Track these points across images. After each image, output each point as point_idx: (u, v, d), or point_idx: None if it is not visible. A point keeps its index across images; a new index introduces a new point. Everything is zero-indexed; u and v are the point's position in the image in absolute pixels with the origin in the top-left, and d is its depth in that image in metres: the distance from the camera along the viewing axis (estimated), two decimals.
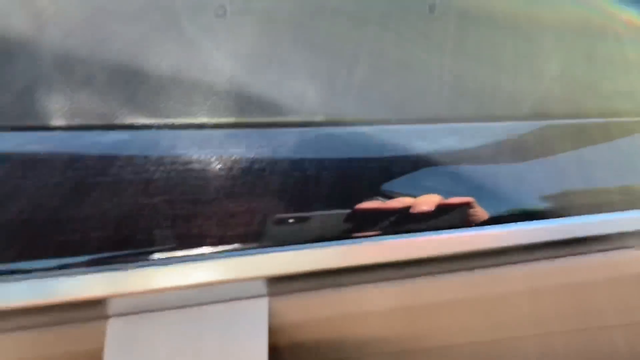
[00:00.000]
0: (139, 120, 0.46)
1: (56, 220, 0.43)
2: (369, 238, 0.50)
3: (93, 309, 0.45)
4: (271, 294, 0.48)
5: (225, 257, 0.45)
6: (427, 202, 0.51)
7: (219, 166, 0.46)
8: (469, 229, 0.53)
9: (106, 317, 0.46)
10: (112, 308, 0.45)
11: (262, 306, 0.47)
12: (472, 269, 0.56)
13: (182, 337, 0.45)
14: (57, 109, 0.46)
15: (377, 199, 0.50)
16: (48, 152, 0.44)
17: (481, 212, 0.53)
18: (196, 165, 0.46)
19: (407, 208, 0.51)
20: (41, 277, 0.43)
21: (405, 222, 0.51)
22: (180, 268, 0.44)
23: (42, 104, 0.45)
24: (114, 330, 0.45)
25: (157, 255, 0.44)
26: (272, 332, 0.48)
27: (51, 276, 0.43)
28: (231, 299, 0.47)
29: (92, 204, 0.43)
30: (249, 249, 0.46)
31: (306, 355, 0.51)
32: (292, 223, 0.47)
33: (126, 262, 0.44)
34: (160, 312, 0.46)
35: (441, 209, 0.51)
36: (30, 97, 0.45)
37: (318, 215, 0.48)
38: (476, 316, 0.56)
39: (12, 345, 0.45)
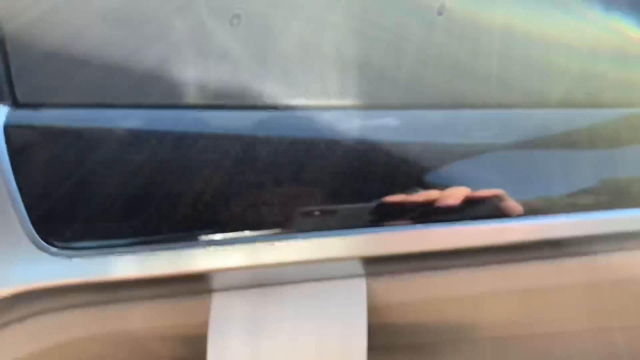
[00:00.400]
0: (263, 101, 0.46)
1: (167, 197, 0.44)
2: (462, 222, 0.49)
3: (198, 283, 0.46)
4: (369, 274, 0.48)
5: (326, 236, 0.46)
6: (454, 196, 0.50)
7: (324, 147, 0.46)
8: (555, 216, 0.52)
9: (210, 291, 0.46)
10: (216, 283, 0.46)
11: (360, 286, 0.47)
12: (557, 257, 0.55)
13: (282, 313, 0.46)
14: (183, 87, 0.47)
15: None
16: (161, 130, 0.45)
17: (514, 205, 0.51)
18: (301, 146, 0.46)
19: (435, 201, 0.49)
20: (150, 252, 0.44)
21: (435, 213, 0.50)
22: (283, 245, 0.45)
23: (172, 82, 0.46)
24: (218, 304, 0.45)
25: (260, 232, 0.45)
26: (369, 311, 0.48)
27: (159, 250, 0.44)
28: (330, 278, 0.47)
29: (202, 181, 0.44)
30: (348, 228, 0.46)
31: (400, 335, 0.51)
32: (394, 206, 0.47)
33: (230, 238, 0.45)
34: (262, 288, 0.46)
35: (469, 202, 0.50)
36: (162, 76, 0.46)
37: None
38: (570, 303, 0.55)
39: (121, 316, 0.46)
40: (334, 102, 0.48)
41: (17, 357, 0.46)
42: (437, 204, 0.49)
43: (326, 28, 0.48)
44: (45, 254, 0.43)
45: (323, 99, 0.48)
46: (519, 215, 0.51)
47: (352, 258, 0.46)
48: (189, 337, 0.48)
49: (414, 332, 0.52)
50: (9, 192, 0.43)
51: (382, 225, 0.46)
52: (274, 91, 0.46)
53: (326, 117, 0.47)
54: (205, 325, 0.46)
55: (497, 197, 0.51)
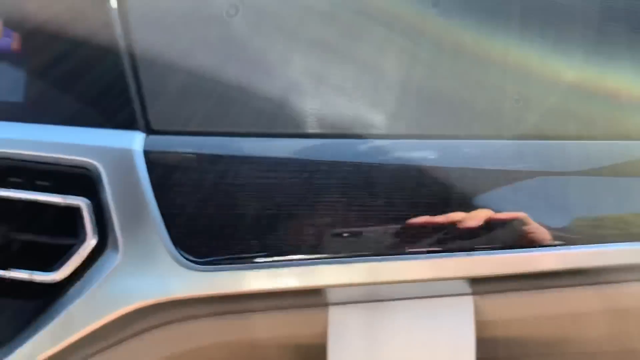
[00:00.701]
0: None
1: (292, 218, 0.48)
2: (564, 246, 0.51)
3: (316, 297, 0.50)
4: (475, 293, 0.50)
5: (435, 257, 0.48)
6: (474, 217, 0.50)
7: (437, 175, 0.49)
8: None
9: (327, 304, 0.50)
10: (333, 296, 0.50)
11: (468, 303, 0.50)
12: None
13: (396, 327, 0.49)
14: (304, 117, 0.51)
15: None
16: (286, 157, 0.49)
17: (537, 229, 0.52)
18: (413, 173, 0.49)
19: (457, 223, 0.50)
20: (275, 267, 0.48)
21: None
22: (399, 265, 0.48)
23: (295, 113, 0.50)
24: (336, 317, 0.49)
25: (378, 252, 0.48)
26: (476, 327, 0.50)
27: (283, 266, 0.48)
28: (439, 295, 0.50)
29: (326, 205, 0.48)
30: (455, 250, 0.49)
31: (507, 350, 0.53)
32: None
33: (350, 256, 0.48)
34: (376, 302, 0.50)
35: (490, 224, 0.51)
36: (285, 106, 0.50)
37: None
38: None
39: (245, 326, 0.51)
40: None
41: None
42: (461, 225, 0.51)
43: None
44: (182, 269, 0.48)
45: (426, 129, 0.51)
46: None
47: (461, 278, 0.48)
48: (304, 347, 0.52)
49: (512, 347, 0.54)
50: (151, 212, 0.48)
51: (488, 249, 0.49)
52: (386, 121, 0.50)
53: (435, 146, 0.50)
54: (320, 336, 0.50)
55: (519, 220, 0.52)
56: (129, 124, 0.51)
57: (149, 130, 0.51)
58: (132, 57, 0.52)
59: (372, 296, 0.50)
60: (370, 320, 0.49)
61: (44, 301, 0.50)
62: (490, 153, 0.52)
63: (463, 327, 0.48)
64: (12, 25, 0.58)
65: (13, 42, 0.58)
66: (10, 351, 0.49)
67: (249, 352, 0.52)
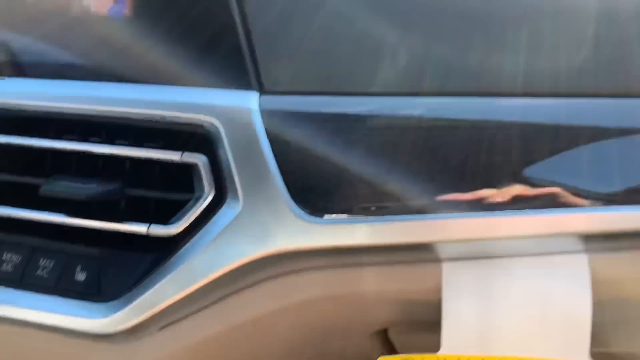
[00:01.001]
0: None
1: (405, 174, 0.49)
2: None
3: (428, 252, 0.50)
4: (590, 250, 0.50)
5: (551, 212, 0.48)
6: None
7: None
8: None
9: (439, 260, 0.51)
10: (444, 252, 0.50)
11: (583, 261, 0.49)
12: None
13: (510, 284, 0.49)
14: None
15: None
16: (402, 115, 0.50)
17: None
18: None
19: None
20: (387, 222, 0.49)
21: None
22: (513, 220, 0.48)
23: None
24: (450, 273, 0.50)
25: (491, 207, 0.48)
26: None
27: (396, 220, 0.49)
28: (551, 253, 0.50)
29: (444, 162, 0.48)
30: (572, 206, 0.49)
31: (621, 312, 0.53)
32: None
33: (464, 211, 0.48)
34: (490, 259, 0.50)
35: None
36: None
37: None
38: None
39: (355, 279, 0.52)
40: None
41: (264, 311, 0.53)
42: None
43: None
44: (300, 221, 0.49)
45: None
46: None
47: (578, 234, 0.48)
48: (414, 302, 0.53)
49: (627, 309, 0.54)
50: (269, 167, 0.50)
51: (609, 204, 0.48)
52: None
53: None
54: (431, 291, 0.51)
55: None
56: (242, 84, 0.53)
57: (262, 90, 0.52)
58: (244, 16, 0.54)
59: (485, 252, 0.50)
60: (484, 277, 0.49)
61: (160, 253, 0.53)
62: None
63: (579, 286, 0.48)
64: None
65: (125, 8, 0.61)
66: (134, 298, 0.52)
67: (360, 306, 0.54)
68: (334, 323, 0.57)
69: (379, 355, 0.59)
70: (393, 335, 0.61)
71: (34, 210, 0.56)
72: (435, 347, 0.52)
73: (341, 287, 0.53)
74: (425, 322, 0.55)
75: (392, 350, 0.62)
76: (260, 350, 0.59)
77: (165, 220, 0.53)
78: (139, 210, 0.55)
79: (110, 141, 0.56)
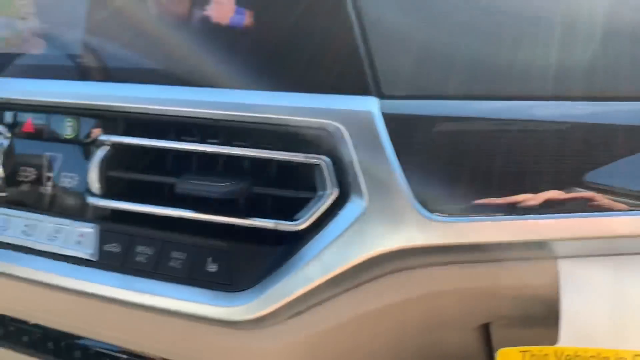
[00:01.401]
0: None
1: (521, 175, 0.52)
2: None
3: (545, 249, 0.53)
4: None
5: None
6: None
7: None
8: None
9: (555, 257, 0.53)
10: (563, 250, 0.52)
11: None
12: None
13: (632, 282, 0.51)
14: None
15: None
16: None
17: None
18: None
19: None
20: (509, 220, 0.52)
21: None
22: (629, 220, 0.50)
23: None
24: (569, 270, 0.52)
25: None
26: None
27: (517, 219, 0.52)
28: None
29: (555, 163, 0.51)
30: None
31: None
32: None
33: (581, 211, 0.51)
34: (614, 256, 0.52)
35: None
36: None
37: None
38: None
39: (475, 275, 0.55)
40: None
41: (390, 302, 0.57)
42: None
43: None
44: (423, 219, 0.52)
45: None
46: None
47: None
48: (527, 297, 0.55)
49: None
50: (392, 167, 0.53)
51: None
52: None
53: None
54: (544, 287, 0.53)
55: None
56: (361, 89, 0.56)
57: (380, 95, 0.56)
58: (362, 23, 0.57)
59: (604, 250, 0.52)
60: (606, 274, 0.51)
61: (288, 247, 0.57)
62: None
63: None
64: (243, 2, 0.64)
65: (246, 18, 0.65)
66: (266, 288, 0.56)
67: (472, 300, 0.57)
68: (445, 315, 0.60)
69: (478, 348, 0.62)
70: (494, 329, 0.63)
71: (166, 207, 0.62)
72: (534, 341, 0.55)
73: (460, 282, 0.56)
74: (531, 317, 0.57)
75: (489, 344, 0.65)
76: (371, 343, 0.63)
77: (279, 216, 0.57)
78: (255, 207, 0.59)
79: (229, 143, 0.60)
